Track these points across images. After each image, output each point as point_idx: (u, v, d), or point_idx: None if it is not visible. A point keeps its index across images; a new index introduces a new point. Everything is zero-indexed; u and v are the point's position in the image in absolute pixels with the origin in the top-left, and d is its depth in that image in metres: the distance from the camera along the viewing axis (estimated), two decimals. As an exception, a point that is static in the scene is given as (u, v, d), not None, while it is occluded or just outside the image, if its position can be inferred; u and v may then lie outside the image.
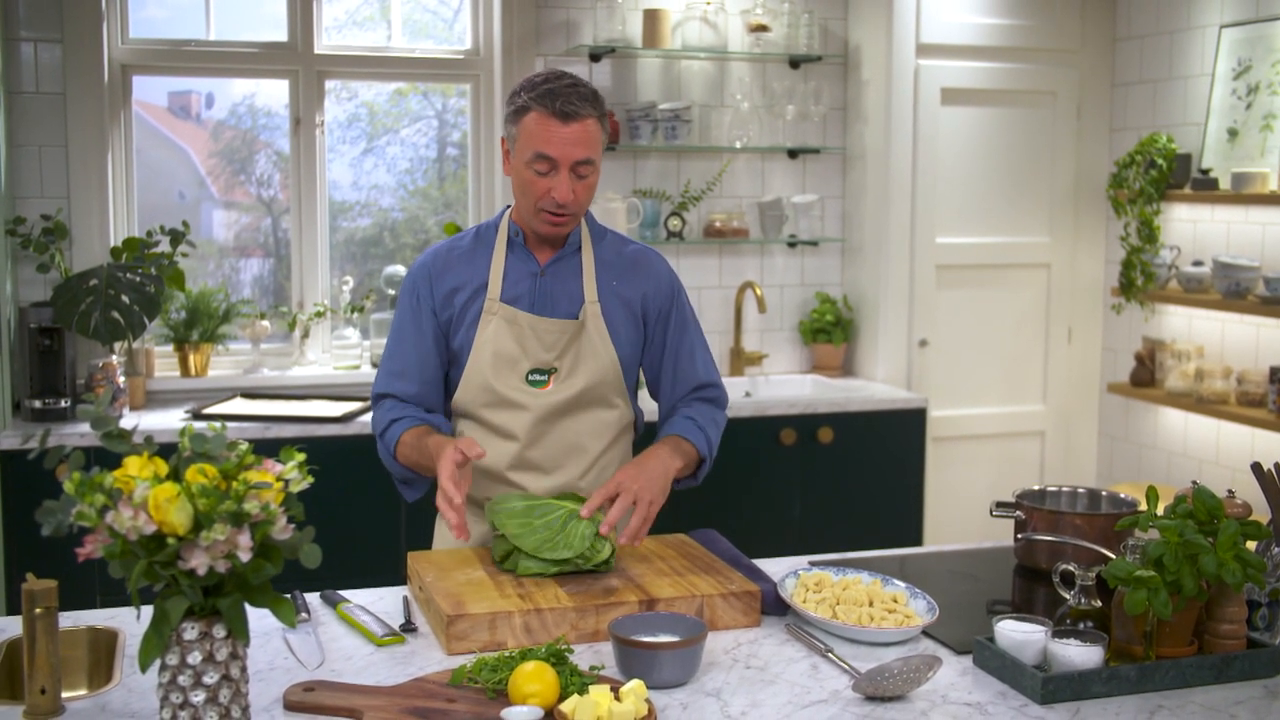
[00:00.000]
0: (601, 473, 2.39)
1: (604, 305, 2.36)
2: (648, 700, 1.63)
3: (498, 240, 2.38)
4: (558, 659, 1.72)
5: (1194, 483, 1.97)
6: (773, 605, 2.07)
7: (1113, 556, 1.95)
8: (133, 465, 1.43)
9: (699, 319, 2.53)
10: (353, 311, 4.41)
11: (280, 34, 4.34)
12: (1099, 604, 1.88)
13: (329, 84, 4.42)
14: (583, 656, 1.87)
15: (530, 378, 2.32)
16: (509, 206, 2.43)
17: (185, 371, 4.22)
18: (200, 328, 4.21)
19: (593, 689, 1.62)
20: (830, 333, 4.74)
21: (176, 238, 4.07)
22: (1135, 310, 4.65)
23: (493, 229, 2.41)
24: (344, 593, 2.15)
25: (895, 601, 2.05)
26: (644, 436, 2.48)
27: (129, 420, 3.80)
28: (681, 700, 1.73)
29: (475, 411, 2.35)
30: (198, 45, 4.27)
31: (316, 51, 4.35)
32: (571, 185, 2.23)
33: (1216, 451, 4.36)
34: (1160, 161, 4.36)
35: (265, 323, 4.31)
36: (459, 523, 2.07)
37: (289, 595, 2.10)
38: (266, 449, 1.53)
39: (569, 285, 2.35)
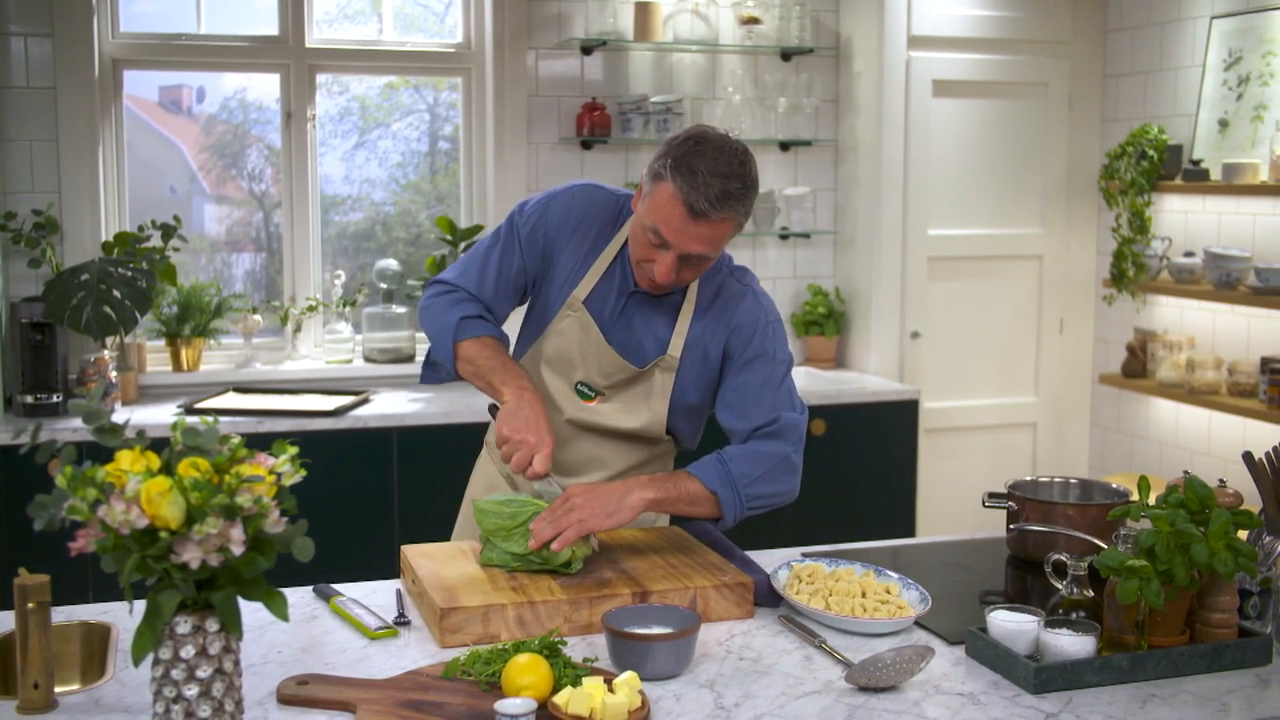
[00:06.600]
0: None
1: (684, 358, 2.25)
2: (641, 692, 1.64)
3: (616, 235, 2.25)
4: (551, 651, 1.72)
5: (1186, 473, 1.97)
6: (766, 597, 2.07)
7: (1105, 546, 1.96)
8: (125, 459, 1.43)
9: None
10: (344, 306, 4.41)
11: (271, 28, 4.33)
12: (1091, 594, 1.88)
13: (320, 78, 4.41)
14: (576, 649, 1.87)
15: (579, 388, 2.29)
16: None
17: (177, 366, 4.22)
18: (192, 322, 4.20)
19: (586, 681, 1.62)
20: (822, 325, 4.74)
21: (168, 232, 4.06)
22: (1127, 301, 4.66)
23: (629, 214, 2.24)
24: (337, 586, 2.15)
25: (888, 592, 2.05)
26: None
27: (121, 415, 3.79)
28: (675, 692, 1.73)
29: None
30: (188, 39, 4.26)
31: (308, 45, 4.34)
32: (677, 269, 2.09)
33: (1208, 442, 4.37)
34: (1151, 152, 4.37)
35: (257, 317, 4.31)
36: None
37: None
38: (259, 443, 1.52)
39: (654, 322, 2.24)
